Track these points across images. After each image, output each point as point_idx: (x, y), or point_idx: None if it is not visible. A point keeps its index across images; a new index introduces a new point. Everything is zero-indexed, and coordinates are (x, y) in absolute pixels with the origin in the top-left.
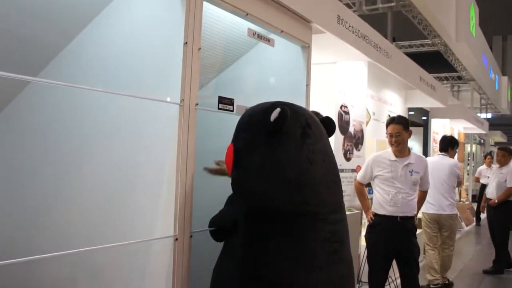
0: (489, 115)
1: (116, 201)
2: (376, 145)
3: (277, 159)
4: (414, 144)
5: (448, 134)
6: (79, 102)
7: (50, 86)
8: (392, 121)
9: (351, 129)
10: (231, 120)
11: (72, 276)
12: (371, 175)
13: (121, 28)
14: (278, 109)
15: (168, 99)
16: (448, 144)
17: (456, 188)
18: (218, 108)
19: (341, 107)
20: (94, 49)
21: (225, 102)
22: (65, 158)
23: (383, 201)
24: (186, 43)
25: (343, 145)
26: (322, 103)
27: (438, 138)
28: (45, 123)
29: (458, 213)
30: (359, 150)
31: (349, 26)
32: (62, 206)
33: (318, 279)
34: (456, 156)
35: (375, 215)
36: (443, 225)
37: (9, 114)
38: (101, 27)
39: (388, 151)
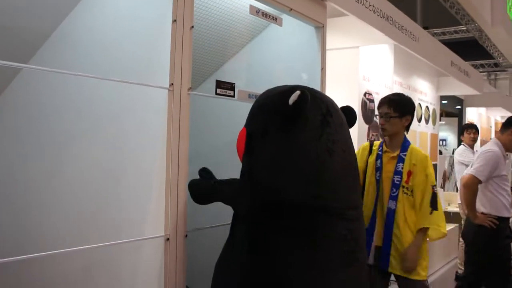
0: None
1: (101, 198)
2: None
3: (293, 147)
4: (449, 135)
5: (485, 124)
6: (60, 92)
7: (38, 75)
8: None
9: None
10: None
11: (54, 278)
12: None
13: (105, 10)
14: (298, 92)
15: (154, 83)
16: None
17: None
18: (216, 94)
19: (365, 95)
20: (79, 34)
21: (225, 87)
22: (47, 151)
23: (507, 203)
24: (175, 20)
25: (368, 135)
26: (344, 91)
27: None
28: (33, 114)
29: None
30: None
31: (370, 5)
32: (43, 204)
33: (332, 280)
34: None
35: (499, 218)
36: None
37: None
38: (86, 10)
39: (499, 143)
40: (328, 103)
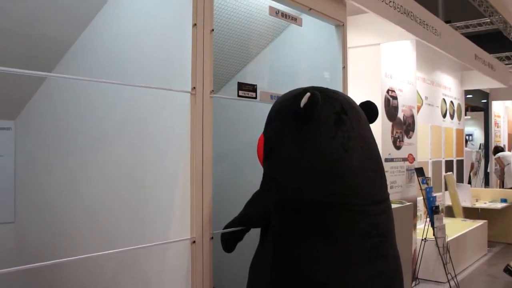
0: None
1: (127, 202)
2: (431, 131)
3: (308, 148)
4: (475, 130)
5: None
6: (84, 98)
7: (62, 83)
8: None
9: (400, 115)
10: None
11: (83, 282)
12: None
13: (126, 16)
14: (308, 94)
15: (177, 88)
16: None
17: None
18: (238, 96)
19: (387, 92)
20: (101, 41)
21: (246, 89)
22: (73, 157)
23: None
24: (195, 24)
25: (392, 132)
26: (366, 88)
27: (500, 121)
28: (58, 121)
29: None
30: (410, 137)
31: (390, 1)
32: (69, 209)
33: (355, 277)
34: None
35: None
36: None
37: (27, 115)
38: (108, 17)
39: None
40: (343, 101)
